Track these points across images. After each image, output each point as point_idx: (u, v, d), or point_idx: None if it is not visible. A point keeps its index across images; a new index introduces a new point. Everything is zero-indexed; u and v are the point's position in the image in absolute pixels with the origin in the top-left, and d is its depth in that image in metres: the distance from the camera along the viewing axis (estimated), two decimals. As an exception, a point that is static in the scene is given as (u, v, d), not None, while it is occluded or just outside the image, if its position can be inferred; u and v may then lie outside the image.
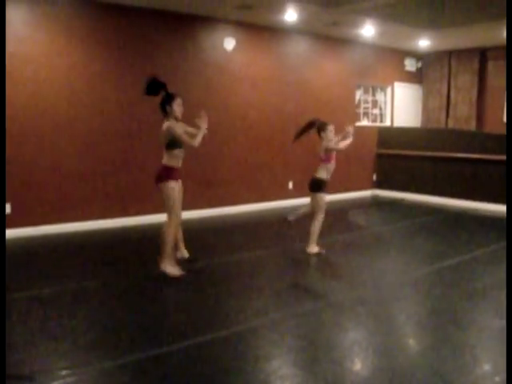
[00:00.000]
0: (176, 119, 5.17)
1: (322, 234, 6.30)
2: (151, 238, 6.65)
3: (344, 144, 6.17)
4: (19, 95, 6.87)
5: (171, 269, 5.18)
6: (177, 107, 5.13)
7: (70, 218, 7.47)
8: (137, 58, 7.89)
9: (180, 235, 5.67)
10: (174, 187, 5.12)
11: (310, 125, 6.15)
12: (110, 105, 7.69)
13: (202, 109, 5.35)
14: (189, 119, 8.40)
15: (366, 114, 11.68)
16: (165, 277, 5.28)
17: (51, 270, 5.62)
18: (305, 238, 6.19)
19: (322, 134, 6.10)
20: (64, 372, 3.26)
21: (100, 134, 7.63)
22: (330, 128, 6.11)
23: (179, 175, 5.24)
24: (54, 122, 7.23)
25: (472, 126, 11.68)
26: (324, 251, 6.17)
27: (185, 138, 5.04)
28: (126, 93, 7.80)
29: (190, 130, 5.32)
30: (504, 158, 9.11)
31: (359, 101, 11.46)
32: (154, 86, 5.12)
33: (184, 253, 5.73)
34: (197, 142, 5.09)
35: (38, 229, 7.18)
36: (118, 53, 7.72)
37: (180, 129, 5.12)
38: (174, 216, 5.14)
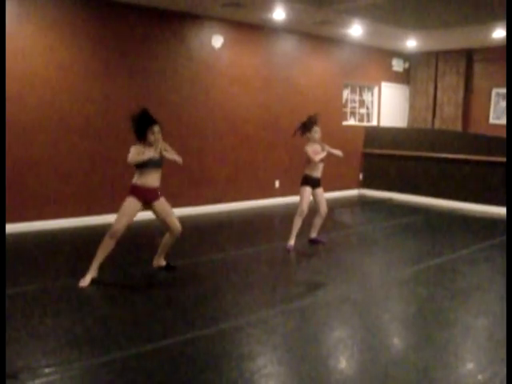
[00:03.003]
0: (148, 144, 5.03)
1: (307, 233, 6.33)
2: (138, 235, 6.64)
3: (319, 156, 6.26)
4: (8, 91, 6.78)
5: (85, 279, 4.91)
6: (150, 135, 5.00)
7: (57, 215, 7.42)
8: (125, 54, 7.85)
9: (166, 244, 5.36)
10: (129, 204, 4.97)
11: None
12: (97, 101, 7.64)
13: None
14: (177, 117, 8.44)
15: (352, 114, 11.72)
16: (151, 274, 5.28)
17: (35, 267, 5.58)
18: (288, 237, 6.20)
19: (308, 134, 6.22)
20: (47, 370, 3.24)
21: (87, 130, 7.58)
22: (316, 129, 6.24)
23: (148, 194, 5.03)
24: (45, 117, 7.17)
25: (458, 126, 11.76)
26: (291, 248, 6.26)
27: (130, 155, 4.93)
28: (113, 89, 7.77)
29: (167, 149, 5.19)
30: (489, 158, 9.22)
31: (346, 100, 11.50)
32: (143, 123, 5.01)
33: (161, 261, 5.49)
34: (132, 159, 4.94)
35: (23, 225, 7.11)
36: (106, 49, 7.67)
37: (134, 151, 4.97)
38: (114, 226, 4.95)
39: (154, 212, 5.15)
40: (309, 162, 6.30)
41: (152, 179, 5.03)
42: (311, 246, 6.48)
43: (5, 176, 6.48)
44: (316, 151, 6.26)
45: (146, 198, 5.03)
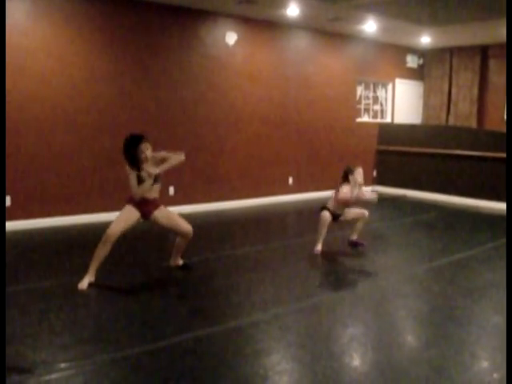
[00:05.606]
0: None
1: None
2: (151, 233, 6.66)
3: (355, 192, 5.99)
4: (19, 87, 6.86)
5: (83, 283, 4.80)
6: (141, 154, 4.81)
7: (70, 211, 7.47)
8: (138, 52, 7.88)
9: (179, 246, 5.28)
10: (127, 211, 4.85)
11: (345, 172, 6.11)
12: (110, 98, 7.68)
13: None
14: (191, 113, 8.46)
15: (366, 110, 11.67)
16: (165, 271, 5.30)
17: (51, 263, 5.63)
18: (303, 234, 6.18)
19: (350, 177, 6.03)
20: (63, 365, 3.26)
21: (100, 128, 7.61)
22: (359, 170, 6.06)
23: (145, 204, 4.90)
24: (54, 114, 7.22)
25: (472, 123, 11.68)
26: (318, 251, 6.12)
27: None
28: (126, 87, 7.80)
29: (161, 154, 4.99)
30: (504, 155, 9.11)
31: (360, 97, 11.45)
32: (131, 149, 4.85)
33: (177, 261, 5.42)
34: (137, 192, 4.85)
35: (38, 221, 7.18)
36: (121, 46, 7.70)
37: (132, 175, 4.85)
38: (109, 231, 4.77)
39: (158, 223, 5.00)
40: (339, 202, 6.07)
41: (149, 192, 4.90)
42: (325, 245, 6.44)
43: (5, 176, 6.51)
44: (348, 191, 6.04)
45: (144, 209, 4.91)
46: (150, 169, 4.81)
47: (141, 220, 4.99)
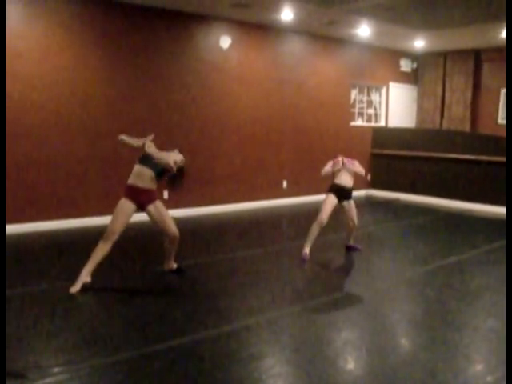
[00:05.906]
0: None
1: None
2: (147, 237, 6.65)
3: (326, 169, 6.22)
4: (13, 90, 6.83)
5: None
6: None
7: (65, 215, 7.45)
8: (132, 55, 7.87)
9: (168, 249, 5.22)
10: (121, 205, 4.80)
11: None
12: (105, 102, 7.67)
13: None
14: (185, 117, 8.46)
15: (360, 114, 11.69)
16: (159, 275, 5.29)
17: (45, 267, 5.60)
18: (297, 238, 6.18)
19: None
20: (56, 369, 3.25)
21: (94, 131, 7.60)
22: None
23: (139, 195, 4.82)
24: (49, 118, 7.20)
25: (466, 127, 11.72)
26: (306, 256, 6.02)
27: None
28: (121, 90, 7.80)
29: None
30: (498, 159, 9.17)
31: (354, 101, 11.48)
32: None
33: (171, 265, 5.36)
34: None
35: (32, 225, 7.15)
36: (115, 50, 7.70)
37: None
38: (108, 228, 4.77)
39: (150, 216, 4.94)
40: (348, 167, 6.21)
41: (142, 179, 4.81)
42: (319, 248, 6.44)
43: (5, 176, 6.50)
44: (336, 163, 6.15)
45: (138, 200, 4.82)
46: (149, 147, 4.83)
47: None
